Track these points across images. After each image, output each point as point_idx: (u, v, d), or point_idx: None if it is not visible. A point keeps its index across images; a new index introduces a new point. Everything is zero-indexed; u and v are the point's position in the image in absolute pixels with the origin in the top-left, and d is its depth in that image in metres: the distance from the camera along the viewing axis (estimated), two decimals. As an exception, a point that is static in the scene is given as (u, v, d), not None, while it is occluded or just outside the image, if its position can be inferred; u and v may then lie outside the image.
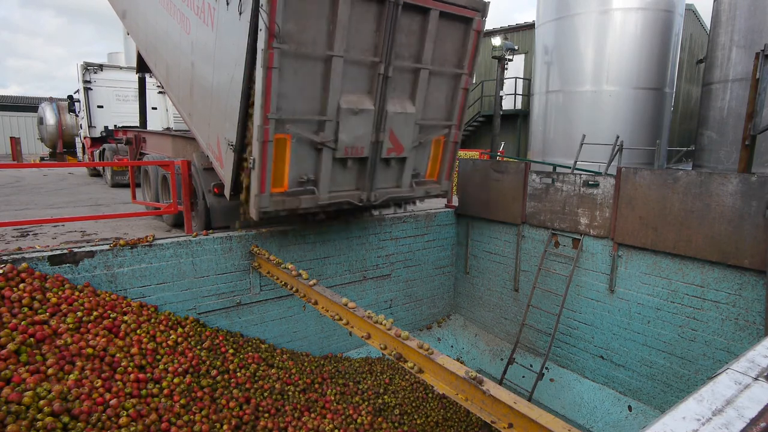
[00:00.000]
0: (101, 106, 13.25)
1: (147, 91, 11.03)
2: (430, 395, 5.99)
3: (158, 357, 4.52)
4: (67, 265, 4.48)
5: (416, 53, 4.67)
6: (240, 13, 4.10)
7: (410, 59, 4.65)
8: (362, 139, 4.50)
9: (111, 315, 4.47)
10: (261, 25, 3.70)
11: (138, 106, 11.07)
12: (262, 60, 3.77)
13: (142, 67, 8.58)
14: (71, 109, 16.20)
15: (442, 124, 5.19)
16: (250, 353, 5.23)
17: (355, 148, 4.50)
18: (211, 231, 5.46)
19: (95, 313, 4.35)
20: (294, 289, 4.40)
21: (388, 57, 4.42)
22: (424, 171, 5.33)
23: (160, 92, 14.02)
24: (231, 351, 5.09)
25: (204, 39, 5.00)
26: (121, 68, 14.04)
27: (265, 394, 4.86)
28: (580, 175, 6.19)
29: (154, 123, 13.25)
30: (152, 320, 4.74)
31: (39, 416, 3.35)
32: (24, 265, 4.26)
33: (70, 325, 4.12)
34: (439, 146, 5.29)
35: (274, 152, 4.07)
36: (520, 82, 15.28)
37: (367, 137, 4.52)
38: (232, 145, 4.53)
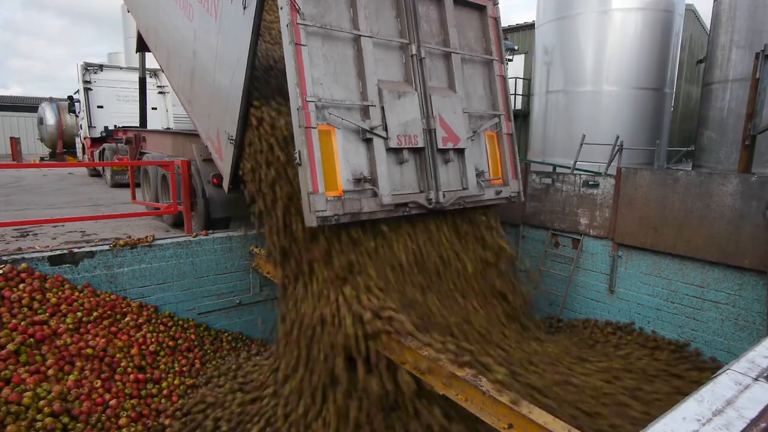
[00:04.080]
0: (101, 107, 13.26)
1: (147, 91, 11.04)
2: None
3: (158, 358, 4.52)
4: (67, 265, 4.48)
5: (443, 41, 4.67)
6: (244, 8, 4.01)
7: (439, 45, 4.62)
8: (413, 125, 4.25)
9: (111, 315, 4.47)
10: (282, 3, 3.61)
11: (138, 106, 11.08)
12: (289, 36, 3.62)
13: (142, 47, 8.36)
14: (71, 110, 16.20)
15: (489, 113, 5.07)
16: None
17: (408, 136, 4.20)
18: (211, 231, 5.46)
19: (95, 314, 4.35)
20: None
21: (417, 39, 4.36)
22: (487, 170, 5.00)
23: (160, 92, 14.04)
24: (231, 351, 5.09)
25: (207, 29, 4.89)
26: (121, 68, 14.05)
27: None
28: (580, 175, 6.19)
29: (154, 123, 13.26)
30: (152, 321, 4.74)
31: (39, 417, 3.35)
32: (24, 265, 4.26)
33: (70, 326, 4.12)
34: (494, 142, 5.12)
35: (320, 144, 3.74)
36: (520, 82, 15.28)
37: (417, 124, 4.29)
38: (232, 140, 4.49)
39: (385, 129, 4.06)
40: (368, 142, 4.04)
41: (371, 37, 4.06)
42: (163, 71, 6.85)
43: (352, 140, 3.98)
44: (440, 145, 4.42)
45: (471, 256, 4.74)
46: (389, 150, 4.10)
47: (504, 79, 5.18)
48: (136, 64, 11.41)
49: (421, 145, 4.31)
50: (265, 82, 4.87)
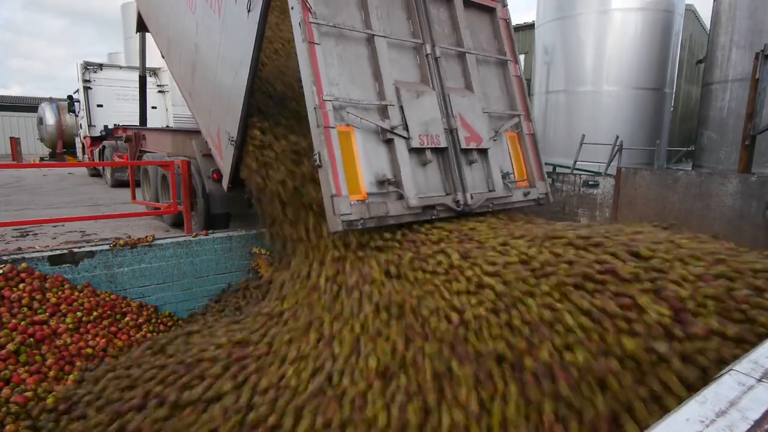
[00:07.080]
0: (101, 105, 13.25)
1: (147, 90, 11.04)
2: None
3: (158, 357, 4.51)
4: (67, 265, 4.47)
5: (456, 42, 4.62)
6: (248, 11, 3.92)
7: (452, 46, 4.56)
8: (434, 125, 4.12)
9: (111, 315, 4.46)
10: (293, 2, 3.53)
11: (137, 105, 11.08)
12: (302, 34, 3.52)
13: (142, 27, 8.21)
14: (71, 110, 16.20)
15: (508, 113, 4.93)
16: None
17: (430, 135, 4.06)
18: (211, 231, 5.45)
19: (95, 314, 4.34)
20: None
21: (431, 39, 4.31)
22: (512, 172, 4.85)
23: (159, 91, 14.03)
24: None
25: (209, 25, 4.79)
26: (120, 68, 14.04)
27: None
28: (580, 175, 6.19)
29: (154, 122, 13.27)
30: (152, 320, 4.73)
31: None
32: (24, 265, 4.25)
33: (70, 326, 4.11)
34: (515, 143, 4.97)
35: (340, 145, 3.60)
36: (520, 82, 15.30)
37: (438, 123, 4.15)
38: (232, 141, 4.45)
39: (406, 128, 3.92)
40: (389, 143, 3.91)
41: (385, 37, 3.97)
42: (162, 57, 6.75)
43: (372, 141, 3.84)
44: (463, 145, 4.27)
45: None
46: (412, 150, 3.97)
47: (521, 79, 5.07)
48: (136, 64, 11.41)
49: (443, 144, 4.16)
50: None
